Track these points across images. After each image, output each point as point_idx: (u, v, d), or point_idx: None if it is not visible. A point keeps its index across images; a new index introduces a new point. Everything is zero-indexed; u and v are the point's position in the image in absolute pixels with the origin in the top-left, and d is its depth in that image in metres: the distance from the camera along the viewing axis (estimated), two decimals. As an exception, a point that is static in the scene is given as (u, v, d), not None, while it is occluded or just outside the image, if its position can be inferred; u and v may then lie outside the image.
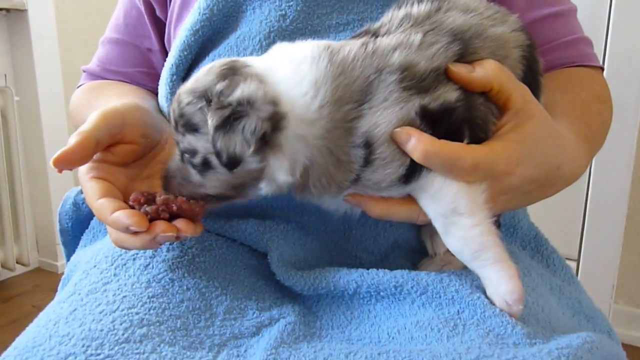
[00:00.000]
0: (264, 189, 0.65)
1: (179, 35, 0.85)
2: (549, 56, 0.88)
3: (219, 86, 0.61)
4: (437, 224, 0.66)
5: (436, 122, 0.62)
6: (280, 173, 0.63)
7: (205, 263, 0.74)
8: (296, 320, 0.68)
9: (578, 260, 1.94)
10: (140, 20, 1.00)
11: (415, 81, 0.62)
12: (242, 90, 0.60)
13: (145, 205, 0.65)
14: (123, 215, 0.62)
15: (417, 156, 0.61)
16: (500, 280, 0.64)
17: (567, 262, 0.93)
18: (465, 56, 0.66)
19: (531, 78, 0.74)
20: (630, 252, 2.22)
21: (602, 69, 0.96)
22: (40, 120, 2.77)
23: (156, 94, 0.92)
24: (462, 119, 0.64)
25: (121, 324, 0.62)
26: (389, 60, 0.63)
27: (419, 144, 0.60)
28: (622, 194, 1.85)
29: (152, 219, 0.64)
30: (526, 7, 0.91)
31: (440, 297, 0.67)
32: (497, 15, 0.72)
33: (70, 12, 2.91)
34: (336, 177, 0.64)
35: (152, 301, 0.66)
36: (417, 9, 0.70)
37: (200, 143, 0.63)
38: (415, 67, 0.63)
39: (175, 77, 0.84)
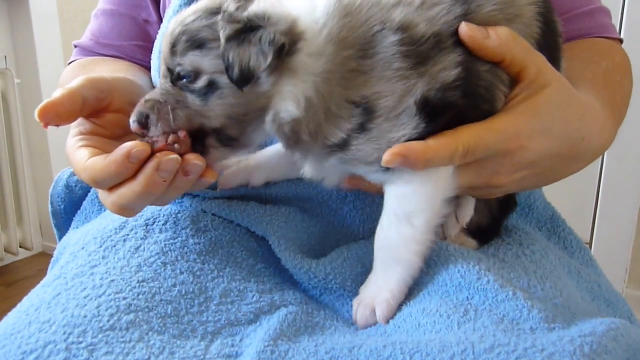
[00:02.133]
0: (268, 125, 0.61)
1: (172, 5, 0.80)
2: (567, 27, 0.84)
3: (232, 6, 0.58)
4: (386, 215, 0.65)
5: (433, 116, 0.60)
6: (289, 102, 0.59)
7: (200, 245, 0.70)
8: (298, 309, 0.64)
9: (590, 244, 1.91)
10: None
11: (414, 46, 0.59)
12: (258, 6, 0.58)
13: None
14: (123, 145, 0.57)
15: (419, 169, 0.60)
16: (383, 290, 0.64)
17: (582, 245, 0.89)
18: (468, 14, 0.62)
19: (550, 38, 0.69)
20: (643, 236, 2.18)
21: (621, 40, 0.92)
22: (41, 102, 2.70)
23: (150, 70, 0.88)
24: (461, 103, 0.60)
25: (107, 310, 0.58)
26: (390, 15, 0.60)
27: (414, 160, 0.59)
28: (635, 177, 1.81)
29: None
30: None
31: (447, 284, 0.63)
32: None
33: (71, -7, 2.87)
34: (323, 129, 0.60)
35: (142, 286, 0.62)
36: None
37: (207, 60, 0.59)
38: (415, 28, 0.59)
39: None
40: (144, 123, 0.60)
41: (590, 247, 1.90)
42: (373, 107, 0.59)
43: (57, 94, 0.62)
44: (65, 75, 0.97)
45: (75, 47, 1.02)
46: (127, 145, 0.57)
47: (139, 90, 0.73)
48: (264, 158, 0.76)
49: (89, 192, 0.89)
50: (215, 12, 0.59)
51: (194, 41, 0.59)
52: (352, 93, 0.59)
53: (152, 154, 0.58)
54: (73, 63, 0.99)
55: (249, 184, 0.76)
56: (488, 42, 0.60)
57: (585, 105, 0.69)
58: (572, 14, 0.88)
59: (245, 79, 0.56)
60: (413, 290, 0.65)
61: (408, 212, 0.63)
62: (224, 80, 0.58)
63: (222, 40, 0.56)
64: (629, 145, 1.76)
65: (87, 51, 0.99)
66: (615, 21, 1.68)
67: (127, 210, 0.61)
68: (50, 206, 0.92)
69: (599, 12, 0.91)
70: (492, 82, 0.63)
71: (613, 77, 0.82)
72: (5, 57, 2.54)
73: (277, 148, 0.75)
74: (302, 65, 0.59)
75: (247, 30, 0.56)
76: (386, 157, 0.58)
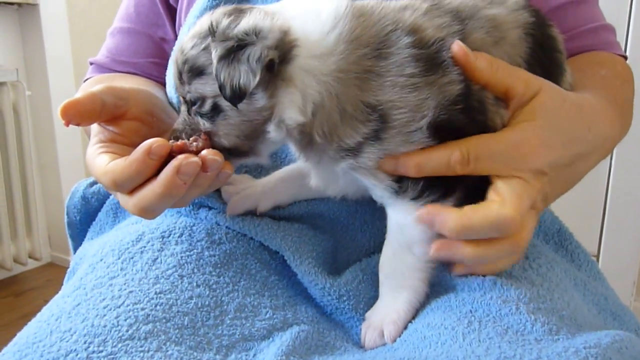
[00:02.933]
0: (272, 133, 0.62)
1: (187, 22, 0.82)
2: (570, 45, 0.85)
3: (224, 21, 0.59)
4: (389, 243, 0.67)
5: (439, 134, 0.61)
6: (290, 110, 0.60)
7: (215, 257, 0.71)
8: (310, 328, 0.65)
9: (597, 257, 1.90)
10: (153, 8, 0.97)
11: (424, 49, 0.60)
12: (248, 21, 0.58)
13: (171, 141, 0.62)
14: (144, 143, 0.58)
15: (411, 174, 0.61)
16: (390, 312, 0.66)
17: (590, 257, 0.90)
18: (463, 32, 0.64)
19: (544, 56, 0.71)
20: (651, 249, 2.16)
21: (625, 57, 0.93)
22: (51, 114, 2.76)
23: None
24: (462, 119, 0.62)
25: (125, 320, 0.59)
26: (402, 16, 0.62)
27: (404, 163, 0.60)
28: (643, 188, 1.81)
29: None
30: None
31: (450, 299, 0.64)
32: None
33: (82, 6, 2.90)
34: (338, 130, 0.61)
35: (160, 297, 0.63)
36: None
37: (208, 86, 0.61)
38: (424, 32, 0.61)
39: None
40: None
41: (597, 260, 1.90)
42: (387, 116, 0.59)
43: (78, 94, 0.65)
44: (82, 90, 0.99)
45: (91, 64, 1.03)
46: (147, 142, 0.58)
47: (156, 100, 0.75)
48: (271, 183, 0.77)
49: (104, 203, 0.91)
50: (207, 34, 0.60)
51: (195, 69, 0.61)
52: (368, 95, 0.59)
53: (172, 151, 0.60)
54: (89, 79, 1.00)
55: (256, 209, 0.77)
56: (478, 62, 0.62)
57: (580, 99, 0.70)
58: (576, 32, 0.89)
59: (237, 97, 0.58)
60: (418, 307, 0.67)
61: (409, 241, 0.65)
62: (224, 101, 0.60)
63: (214, 61, 0.58)
64: (635, 157, 1.76)
65: (103, 68, 1.01)
66: (621, 37, 1.70)
67: (148, 211, 0.62)
68: (66, 217, 0.93)
69: (603, 29, 0.92)
70: (481, 95, 0.64)
71: (612, 82, 0.82)
72: (17, 70, 2.57)
73: (284, 172, 0.77)
74: (302, 70, 0.59)
75: (236, 47, 0.57)
76: (380, 162, 0.60)
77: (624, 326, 0.78)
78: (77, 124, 0.65)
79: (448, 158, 0.60)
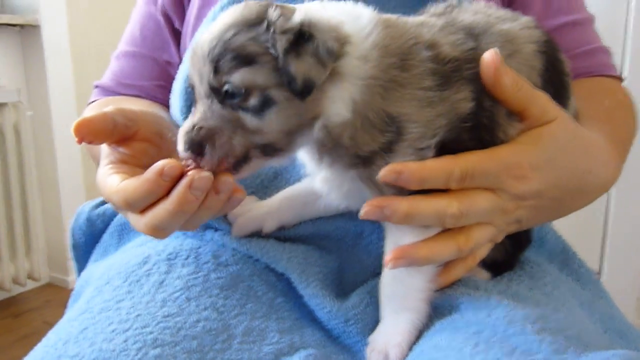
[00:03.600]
0: (317, 131, 0.60)
1: (207, 18, 0.83)
2: None
3: (274, 13, 0.57)
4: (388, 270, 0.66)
5: (446, 152, 0.61)
6: (339, 105, 0.59)
7: (221, 279, 0.71)
8: (316, 352, 0.65)
9: (599, 275, 1.90)
10: (159, 32, 0.98)
11: (440, 65, 0.61)
12: (305, 14, 0.57)
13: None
14: (156, 164, 0.58)
15: (412, 187, 0.61)
16: (394, 335, 0.65)
17: (593, 276, 0.90)
18: (477, 49, 0.64)
19: (555, 77, 0.71)
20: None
21: (621, 79, 0.94)
22: (52, 134, 2.77)
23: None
24: (467, 138, 0.62)
25: (134, 344, 0.59)
26: (420, 31, 0.63)
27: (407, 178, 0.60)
28: (643, 206, 1.81)
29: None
30: (542, 15, 0.89)
31: (456, 321, 0.64)
32: (506, 16, 0.71)
33: (83, 28, 2.93)
34: (357, 136, 0.60)
35: (167, 320, 0.63)
36: (432, 9, 0.71)
37: (259, 76, 0.57)
38: (440, 47, 0.62)
39: (187, 89, 0.81)
40: (200, 151, 0.59)
41: (599, 279, 1.89)
42: (403, 129, 0.60)
43: (89, 113, 0.65)
44: (90, 111, 1.00)
45: (96, 87, 1.04)
46: (160, 163, 0.58)
47: (163, 122, 0.75)
48: (275, 203, 0.77)
49: (109, 225, 0.91)
50: (253, 23, 0.57)
51: (243, 57, 0.57)
52: (390, 104, 0.60)
53: (184, 173, 0.59)
54: (94, 102, 1.01)
55: (262, 230, 0.77)
56: (504, 77, 0.61)
57: (590, 138, 0.70)
58: (573, 53, 0.89)
59: (308, 90, 0.56)
60: (423, 328, 0.67)
61: None
62: (279, 93, 0.57)
63: (280, 53, 0.55)
64: (636, 174, 1.77)
65: (108, 91, 1.02)
66: (618, 59, 1.71)
67: (159, 230, 0.61)
68: (70, 239, 0.93)
69: (599, 51, 0.92)
70: (493, 114, 0.64)
71: (616, 114, 0.83)
72: (18, 90, 2.58)
73: (288, 192, 0.77)
74: (350, 68, 0.59)
75: (300, 40, 0.56)
76: (382, 172, 0.59)
77: (630, 345, 0.78)
78: (90, 142, 0.65)
79: (449, 175, 0.60)
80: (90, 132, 0.64)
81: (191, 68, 0.62)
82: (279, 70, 0.56)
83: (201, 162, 0.59)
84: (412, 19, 0.66)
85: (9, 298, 2.75)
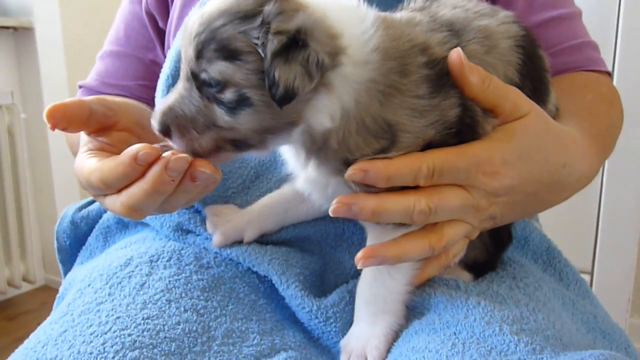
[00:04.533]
0: (296, 135, 0.59)
1: (174, 45, 0.83)
2: (554, 61, 0.85)
3: (272, 9, 0.54)
4: (370, 268, 0.66)
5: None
6: (322, 115, 0.58)
7: (203, 281, 0.71)
8: (297, 354, 0.65)
9: (592, 274, 1.90)
10: (142, 31, 0.98)
11: (433, 69, 0.60)
12: (305, 18, 0.54)
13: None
14: (130, 148, 0.56)
15: (380, 186, 0.60)
16: (372, 338, 0.65)
17: (581, 275, 0.89)
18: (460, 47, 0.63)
19: (534, 72, 0.71)
20: (645, 264, 2.17)
21: (609, 74, 0.93)
22: (46, 137, 2.77)
23: None
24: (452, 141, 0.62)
25: (112, 347, 0.59)
26: (414, 32, 0.61)
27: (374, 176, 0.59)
28: (635, 203, 1.81)
29: None
30: (527, 10, 0.88)
31: (434, 322, 0.64)
32: (485, 11, 0.70)
33: (77, 30, 2.93)
34: (350, 140, 0.59)
35: (147, 323, 0.63)
36: (412, 4, 0.71)
37: (240, 73, 0.54)
38: (432, 49, 0.61)
39: (171, 89, 0.81)
40: (167, 132, 0.59)
41: (592, 277, 1.89)
42: (397, 137, 0.59)
43: (66, 100, 0.64)
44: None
45: (80, 87, 1.03)
46: (134, 148, 0.57)
47: (146, 113, 0.74)
48: (255, 212, 0.76)
49: (94, 227, 0.91)
50: (248, 15, 0.55)
51: (226, 50, 0.54)
52: (388, 111, 0.58)
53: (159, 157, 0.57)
54: None
55: (242, 239, 0.76)
56: (471, 76, 0.61)
57: (565, 132, 0.70)
58: (559, 48, 0.89)
59: (288, 98, 0.53)
60: (401, 330, 0.67)
61: (389, 267, 0.65)
62: (256, 95, 0.55)
63: (268, 55, 0.53)
64: (627, 171, 1.77)
65: (91, 91, 1.01)
66: (609, 55, 1.71)
67: (135, 210, 0.60)
68: (55, 242, 0.93)
69: (587, 45, 0.91)
70: (474, 112, 0.64)
71: (597, 108, 0.82)
72: (12, 93, 2.58)
73: (268, 199, 0.76)
74: (343, 77, 0.57)
75: (292, 45, 0.53)
76: (349, 171, 0.58)
77: (613, 344, 0.78)
78: (64, 129, 0.63)
79: (416, 172, 0.59)
80: (64, 118, 0.62)
81: (181, 42, 0.60)
82: (263, 72, 0.54)
83: (168, 143, 0.59)
84: (402, 17, 0.64)
85: (4, 301, 2.74)
